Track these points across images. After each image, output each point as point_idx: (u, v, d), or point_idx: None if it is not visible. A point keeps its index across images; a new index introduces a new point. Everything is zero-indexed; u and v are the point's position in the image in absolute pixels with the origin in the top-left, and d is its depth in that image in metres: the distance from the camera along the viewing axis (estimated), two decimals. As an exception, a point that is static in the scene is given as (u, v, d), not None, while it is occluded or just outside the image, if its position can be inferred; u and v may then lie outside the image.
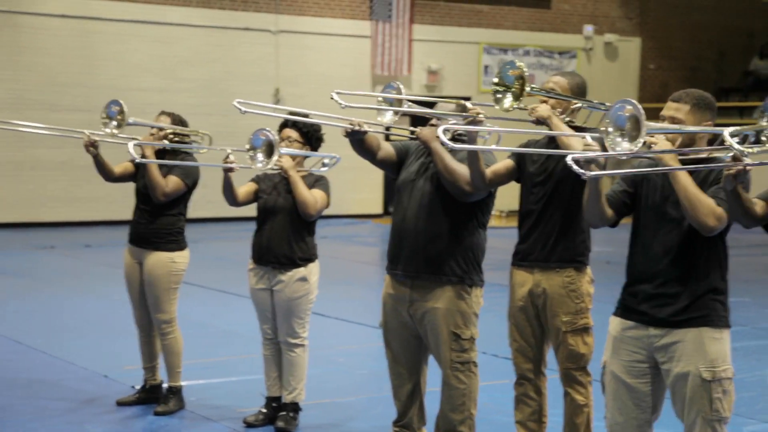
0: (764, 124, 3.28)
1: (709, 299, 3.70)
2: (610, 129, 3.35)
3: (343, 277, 10.64)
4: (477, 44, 19.43)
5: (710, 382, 3.65)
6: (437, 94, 18.00)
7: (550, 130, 4.40)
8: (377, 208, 18.64)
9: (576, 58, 19.96)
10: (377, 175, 18.09)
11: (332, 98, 4.46)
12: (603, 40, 20.62)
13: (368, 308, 9.82)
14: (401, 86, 4.61)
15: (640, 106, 3.27)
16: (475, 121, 4.33)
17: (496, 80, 4.34)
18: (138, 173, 5.80)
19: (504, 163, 4.64)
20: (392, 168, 4.87)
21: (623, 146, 3.34)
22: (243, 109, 4.56)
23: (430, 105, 4.83)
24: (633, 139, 3.30)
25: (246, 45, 17.21)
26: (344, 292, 9.77)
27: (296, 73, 17.55)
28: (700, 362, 3.66)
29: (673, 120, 3.71)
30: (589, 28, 20.41)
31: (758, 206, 3.50)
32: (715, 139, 3.64)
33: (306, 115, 5.17)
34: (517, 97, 4.26)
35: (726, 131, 3.28)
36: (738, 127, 3.35)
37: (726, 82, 21.35)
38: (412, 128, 4.86)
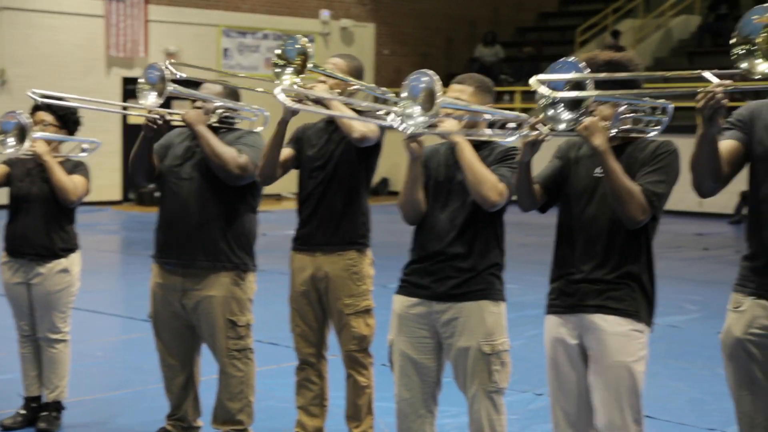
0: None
1: (488, 274, 3.79)
2: (405, 99, 3.35)
3: (88, 267, 10.13)
4: (216, 27, 19.17)
5: (489, 355, 3.74)
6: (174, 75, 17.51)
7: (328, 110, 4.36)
8: (116, 194, 18.01)
9: (314, 42, 20.13)
10: (115, 160, 17.46)
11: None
12: (339, 25, 20.92)
13: (120, 298, 9.46)
14: (166, 67, 4.40)
15: (436, 78, 3.28)
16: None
17: (279, 52, 4.25)
18: None
19: (284, 152, 4.53)
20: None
21: (417, 118, 3.34)
22: (39, 99, 4.17)
23: (196, 86, 4.66)
24: (427, 110, 3.32)
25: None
26: (91, 283, 9.30)
27: (22, 53, 16.59)
28: (480, 336, 3.75)
29: (458, 101, 3.76)
30: (325, 13, 20.64)
31: (536, 189, 3.60)
32: (495, 122, 3.70)
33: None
34: (298, 73, 4.17)
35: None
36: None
37: (454, 68, 22.13)
38: (177, 111, 4.64)
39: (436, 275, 3.79)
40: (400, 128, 3.37)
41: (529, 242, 11.89)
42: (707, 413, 5.51)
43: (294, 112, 4.06)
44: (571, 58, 3.23)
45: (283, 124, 4.17)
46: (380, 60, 21.63)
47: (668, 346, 7.00)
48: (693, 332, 7.69)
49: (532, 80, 3.19)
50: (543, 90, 3.16)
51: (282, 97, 3.76)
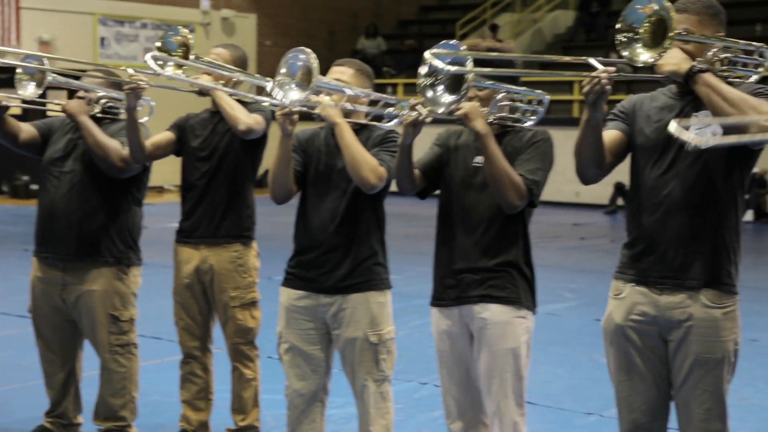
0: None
1: (372, 263, 3.80)
2: (283, 75, 3.34)
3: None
4: (92, 15, 18.66)
5: (376, 345, 3.77)
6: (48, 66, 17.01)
7: (213, 101, 4.30)
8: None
9: (194, 32, 19.81)
10: (-13, 151, 16.83)
11: None
12: (220, 15, 20.63)
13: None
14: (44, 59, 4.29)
15: (313, 56, 3.28)
16: (136, 90, 4.09)
17: (159, 45, 4.17)
18: None
19: (164, 135, 4.46)
20: (37, 150, 4.52)
21: (293, 95, 3.33)
22: None
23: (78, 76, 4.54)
24: (304, 89, 3.31)
25: None
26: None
27: None
28: (366, 326, 3.76)
29: (338, 82, 3.76)
30: (206, 3, 20.33)
31: (416, 174, 3.63)
32: (377, 102, 3.72)
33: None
34: (180, 66, 4.10)
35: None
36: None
37: (337, 60, 22.17)
38: (58, 101, 4.51)
39: (322, 268, 3.78)
40: (278, 97, 3.35)
41: (413, 233, 11.97)
42: (585, 398, 5.65)
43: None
44: (453, 42, 3.26)
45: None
46: (262, 51, 21.44)
47: (547, 334, 7.12)
48: (571, 319, 7.87)
49: (426, 54, 3.21)
50: (437, 63, 3.18)
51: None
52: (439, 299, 3.64)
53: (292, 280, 3.87)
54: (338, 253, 3.76)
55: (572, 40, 20.22)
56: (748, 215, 14.66)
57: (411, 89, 16.81)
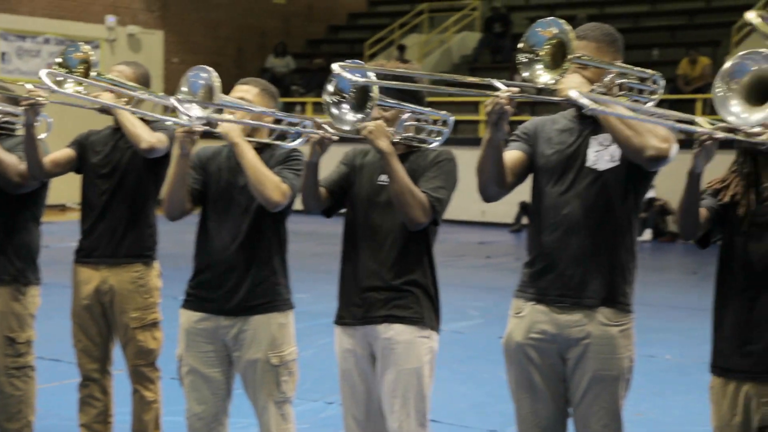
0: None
1: (273, 283, 3.78)
2: (184, 94, 3.33)
3: None
4: (-7, 29, 18.26)
5: (278, 366, 3.75)
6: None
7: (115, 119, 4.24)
8: None
9: (99, 48, 19.50)
10: None
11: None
12: (126, 31, 20.36)
13: None
14: None
15: (215, 75, 3.27)
16: (34, 106, 4.00)
17: (59, 61, 4.11)
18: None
19: (63, 152, 4.38)
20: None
21: (195, 113, 3.32)
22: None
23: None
24: (204, 108, 3.30)
25: None
26: None
27: None
28: (267, 348, 3.73)
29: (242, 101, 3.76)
30: (111, 19, 20.03)
31: (321, 192, 3.64)
32: (280, 124, 3.73)
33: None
34: (80, 83, 4.03)
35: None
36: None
37: (241, 78, 22.06)
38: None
39: (222, 288, 3.75)
40: (181, 114, 3.33)
41: (322, 251, 11.95)
42: (489, 415, 5.70)
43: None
44: (360, 61, 3.29)
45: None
46: (169, 68, 21.18)
47: (453, 352, 7.17)
48: (476, 337, 7.93)
49: (335, 66, 3.22)
50: (346, 74, 3.19)
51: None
52: (343, 318, 3.64)
53: (191, 301, 3.83)
54: (238, 273, 3.73)
55: (477, 61, 20.49)
56: (647, 234, 15.02)
57: (320, 108, 16.73)
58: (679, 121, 2.96)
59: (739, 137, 2.91)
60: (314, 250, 12.18)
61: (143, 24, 20.79)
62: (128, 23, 20.45)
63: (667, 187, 13.51)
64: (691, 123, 2.92)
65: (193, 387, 3.81)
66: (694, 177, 2.99)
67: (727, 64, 2.74)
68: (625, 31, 20.20)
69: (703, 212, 3.11)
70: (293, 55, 22.19)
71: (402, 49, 20.51)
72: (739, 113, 2.70)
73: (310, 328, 7.25)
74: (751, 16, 2.53)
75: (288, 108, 19.98)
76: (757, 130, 2.85)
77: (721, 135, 2.88)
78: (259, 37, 23.00)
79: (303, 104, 19.46)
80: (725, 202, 3.15)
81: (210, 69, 3.30)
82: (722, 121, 2.84)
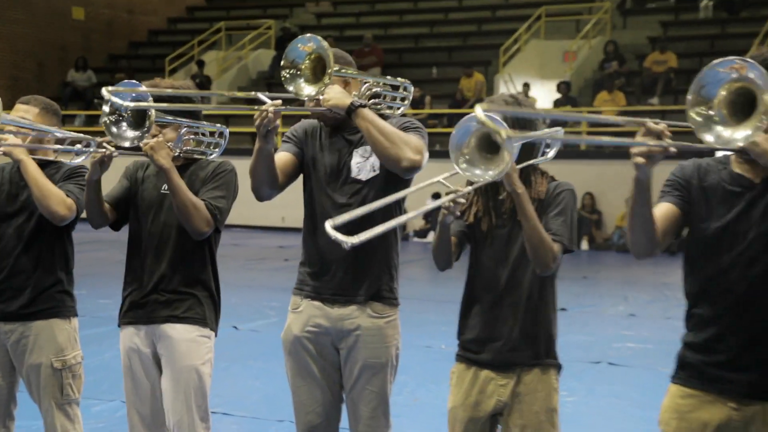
0: None
1: (57, 291, 3.73)
2: None
3: None
4: None
5: (61, 371, 3.70)
6: None
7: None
8: None
9: None
10: None
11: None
12: None
13: None
14: None
15: None
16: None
17: None
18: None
19: None
20: None
21: None
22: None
23: None
24: None
25: None
26: None
27: None
28: (51, 353, 3.68)
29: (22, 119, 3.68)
30: None
31: (106, 207, 3.60)
32: (63, 142, 3.64)
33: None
34: None
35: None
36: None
37: (47, 92, 21.05)
38: None
39: (4, 294, 3.67)
40: None
41: (108, 258, 11.58)
42: (279, 406, 5.72)
43: None
44: (134, 81, 3.27)
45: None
46: (-34, 82, 20.13)
47: (249, 349, 7.19)
48: (271, 335, 7.89)
49: (104, 91, 3.16)
50: (115, 99, 3.15)
51: None
52: (127, 317, 3.60)
53: None
54: (21, 279, 3.66)
55: (274, 77, 20.55)
56: (583, 245, 15.18)
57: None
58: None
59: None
60: (118, 258, 11.81)
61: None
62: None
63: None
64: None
65: None
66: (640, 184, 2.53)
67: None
68: (407, 50, 20.80)
69: (453, 240, 3.17)
70: (94, 69, 21.55)
71: (201, 64, 20.30)
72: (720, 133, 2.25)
73: (111, 332, 7.09)
74: (478, 111, 2.40)
75: (90, 121, 19.36)
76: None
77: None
78: (60, 52, 22.21)
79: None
80: (470, 222, 3.22)
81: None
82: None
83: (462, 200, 2.96)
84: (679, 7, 19.66)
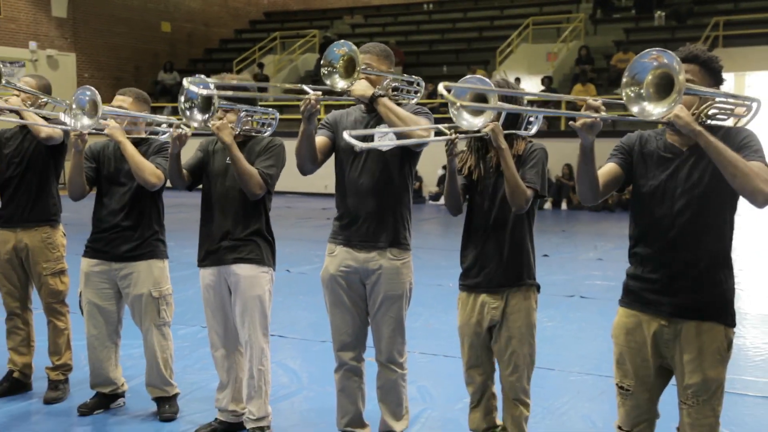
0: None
1: (153, 239, 3.80)
2: (75, 108, 3.27)
3: None
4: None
5: (157, 299, 3.77)
6: None
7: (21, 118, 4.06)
8: None
9: (24, 67, 18.42)
10: None
11: None
12: (46, 53, 19.28)
13: None
14: None
15: (96, 92, 3.23)
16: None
17: None
18: None
19: None
20: None
21: (85, 122, 3.27)
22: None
23: None
24: (92, 116, 3.26)
25: None
26: None
27: None
28: (150, 285, 3.74)
29: (120, 107, 3.73)
30: (33, 44, 18.93)
31: (184, 174, 3.62)
32: (153, 124, 3.68)
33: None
34: None
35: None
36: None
37: (142, 89, 21.14)
38: None
39: (114, 242, 3.73)
40: (71, 124, 3.28)
41: (188, 218, 11.71)
42: (321, 331, 5.77)
43: None
44: (202, 76, 3.26)
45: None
46: (82, 81, 20.15)
47: (299, 287, 7.23)
48: (316, 276, 7.84)
49: (184, 81, 3.21)
50: (193, 87, 3.17)
51: None
52: (204, 261, 3.64)
53: (89, 251, 3.82)
54: (126, 233, 3.73)
55: (317, 75, 20.44)
56: (563, 205, 14.91)
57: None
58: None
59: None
60: (196, 218, 11.90)
61: (59, 48, 19.74)
62: (47, 47, 19.38)
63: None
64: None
65: (90, 315, 3.80)
66: (584, 148, 2.53)
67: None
68: (423, 53, 20.48)
69: (462, 191, 3.16)
70: (178, 71, 21.55)
71: (261, 66, 20.25)
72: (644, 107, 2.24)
73: (192, 274, 7.16)
74: (441, 87, 2.40)
75: (176, 110, 19.39)
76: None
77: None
78: (152, 57, 22.25)
79: (187, 108, 18.90)
80: (465, 174, 3.22)
81: (92, 88, 3.27)
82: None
83: (461, 135, 2.93)
84: (639, 17, 19.38)
